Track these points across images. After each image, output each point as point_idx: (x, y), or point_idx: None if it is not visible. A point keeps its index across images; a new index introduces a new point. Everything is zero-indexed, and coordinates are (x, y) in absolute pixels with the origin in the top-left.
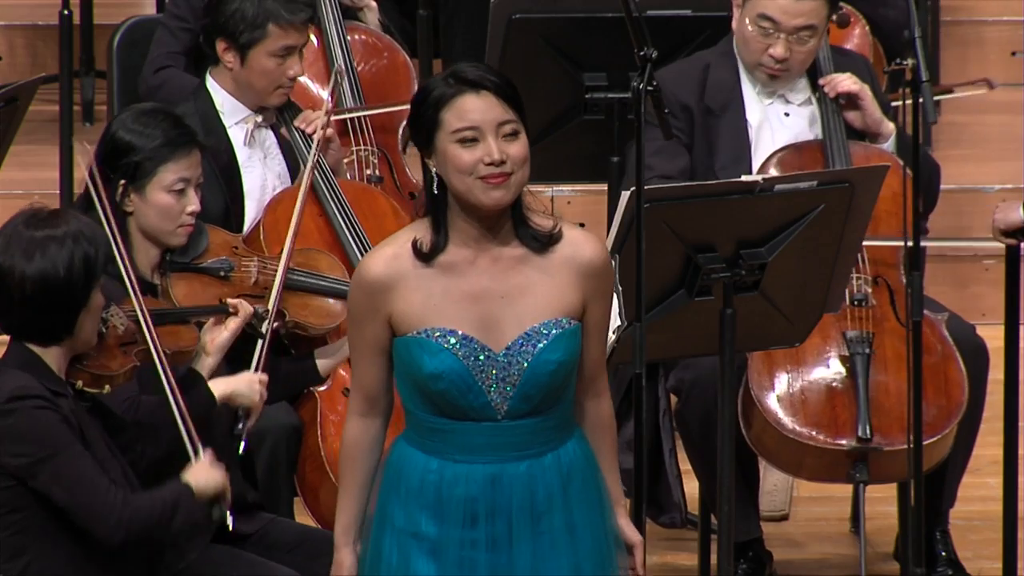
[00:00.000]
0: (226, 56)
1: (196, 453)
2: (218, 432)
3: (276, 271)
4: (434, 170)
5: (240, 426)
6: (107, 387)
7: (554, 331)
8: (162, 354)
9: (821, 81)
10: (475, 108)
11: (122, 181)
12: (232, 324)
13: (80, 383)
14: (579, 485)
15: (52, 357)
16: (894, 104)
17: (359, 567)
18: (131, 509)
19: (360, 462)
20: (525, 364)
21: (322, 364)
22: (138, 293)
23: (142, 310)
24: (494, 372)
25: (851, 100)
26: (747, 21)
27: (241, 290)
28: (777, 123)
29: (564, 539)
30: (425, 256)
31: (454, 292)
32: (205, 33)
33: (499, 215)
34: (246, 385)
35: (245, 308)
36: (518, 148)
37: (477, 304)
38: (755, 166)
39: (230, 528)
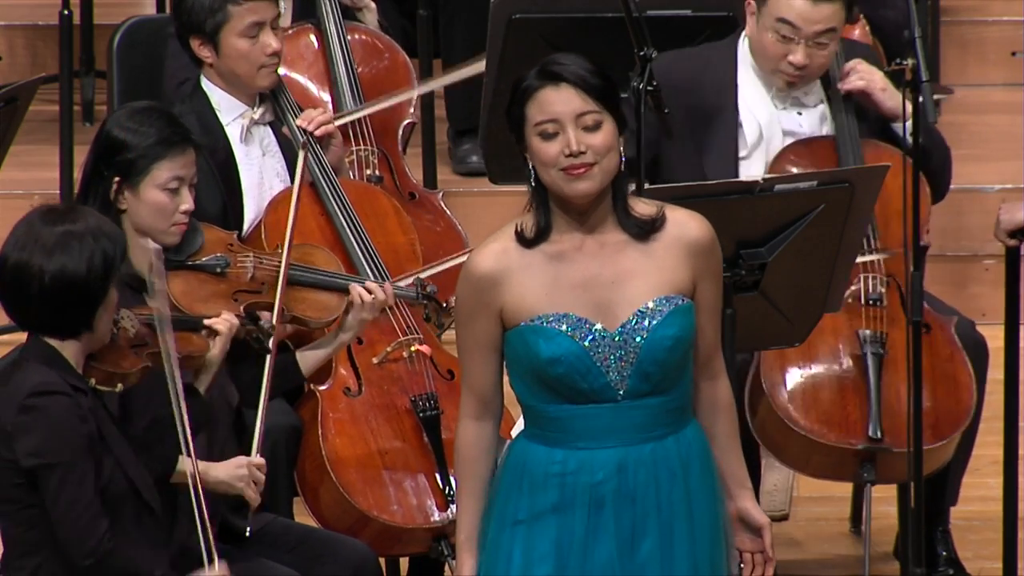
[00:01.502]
0: (203, 52)
1: (211, 562)
2: (221, 431)
3: (272, 267)
4: (531, 163)
5: (247, 517)
6: (120, 386)
7: (667, 307)
8: (175, 362)
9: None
10: (553, 101)
11: (116, 178)
12: (219, 343)
13: (93, 381)
14: (698, 473)
15: (71, 352)
16: None
17: (479, 568)
18: (110, 550)
19: (479, 465)
20: (640, 341)
21: (303, 362)
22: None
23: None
24: (611, 351)
25: (862, 94)
26: (765, 27)
27: (238, 286)
28: (788, 122)
29: (685, 528)
30: (529, 242)
31: (563, 280)
32: (179, 38)
33: (597, 205)
34: (226, 474)
35: (224, 325)
36: (600, 138)
37: (587, 289)
38: (756, 159)
39: None
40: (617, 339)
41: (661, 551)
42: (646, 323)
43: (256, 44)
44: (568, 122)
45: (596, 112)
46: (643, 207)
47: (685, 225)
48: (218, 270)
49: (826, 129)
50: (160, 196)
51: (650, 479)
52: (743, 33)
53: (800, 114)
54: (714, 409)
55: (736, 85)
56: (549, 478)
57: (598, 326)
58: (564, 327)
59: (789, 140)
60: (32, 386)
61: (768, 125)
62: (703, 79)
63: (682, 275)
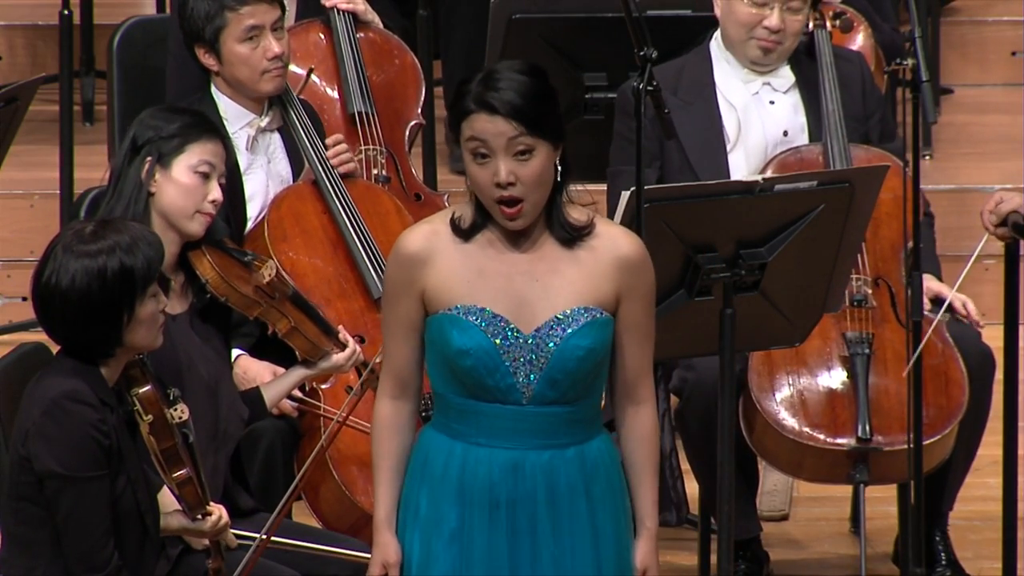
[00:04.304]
0: (207, 60)
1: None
2: (231, 444)
3: (287, 284)
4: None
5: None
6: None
7: (585, 318)
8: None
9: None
10: (484, 129)
11: (149, 158)
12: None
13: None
14: (603, 486)
15: (106, 366)
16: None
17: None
18: (119, 567)
19: (395, 443)
20: (553, 347)
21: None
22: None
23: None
24: (522, 353)
25: None
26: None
27: (258, 283)
28: (763, 110)
29: (588, 540)
30: (463, 232)
31: (489, 270)
32: (187, 49)
33: None
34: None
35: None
36: (530, 168)
37: (511, 284)
38: (738, 151)
39: None
40: (530, 342)
41: (563, 559)
42: (561, 330)
43: (257, 48)
44: (499, 149)
45: (528, 139)
46: (576, 214)
47: (617, 240)
48: (247, 258)
49: (800, 118)
50: (190, 177)
51: (547, 485)
52: (713, 34)
53: (772, 103)
54: (635, 436)
55: (713, 80)
56: (448, 472)
57: (513, 326)
58: (479, 321)
59: (769, 126)
60: (60, 392)
61: (744, 109)
62: (680, 82)
63: (606, 288)
